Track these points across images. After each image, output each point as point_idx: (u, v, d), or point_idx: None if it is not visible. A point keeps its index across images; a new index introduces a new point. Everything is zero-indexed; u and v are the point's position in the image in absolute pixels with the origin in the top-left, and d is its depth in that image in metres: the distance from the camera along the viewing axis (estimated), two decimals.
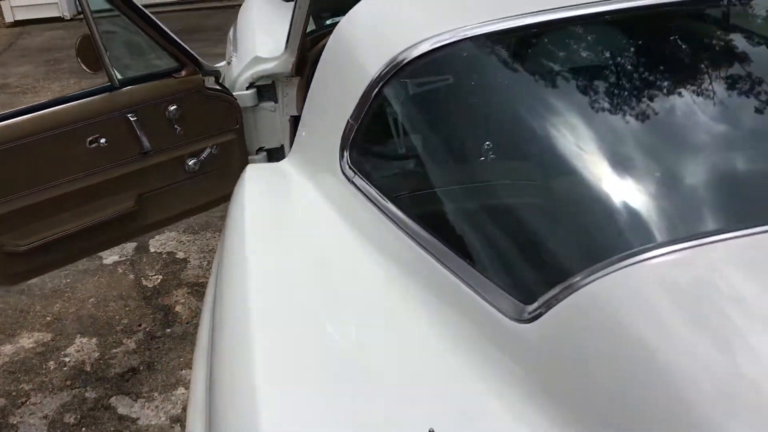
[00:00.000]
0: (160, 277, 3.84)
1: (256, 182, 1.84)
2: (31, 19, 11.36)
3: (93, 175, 2.76)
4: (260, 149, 3.51)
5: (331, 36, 1.91)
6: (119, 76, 2.82)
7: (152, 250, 4.11)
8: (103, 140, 2.72)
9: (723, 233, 1.15)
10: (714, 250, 1.12)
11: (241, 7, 4.58)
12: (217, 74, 3.20)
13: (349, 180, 1.62)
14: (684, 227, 1.24)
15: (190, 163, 3.04)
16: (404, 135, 1.68)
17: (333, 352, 1.23)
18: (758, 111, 1.47)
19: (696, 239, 1.14)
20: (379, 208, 1.52)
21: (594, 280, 1.12)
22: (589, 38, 1.70)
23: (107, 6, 2.76)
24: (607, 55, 1.68)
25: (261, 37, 3.60)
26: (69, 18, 11.45)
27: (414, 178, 1.66)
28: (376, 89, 1.63)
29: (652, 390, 1.01)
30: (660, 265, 1.12)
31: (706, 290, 1.08)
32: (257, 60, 3.25)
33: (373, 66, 1.66)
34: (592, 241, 1.29)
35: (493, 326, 1.20)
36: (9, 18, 11.35)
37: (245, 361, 1.21)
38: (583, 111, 1.50)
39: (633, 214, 1.27)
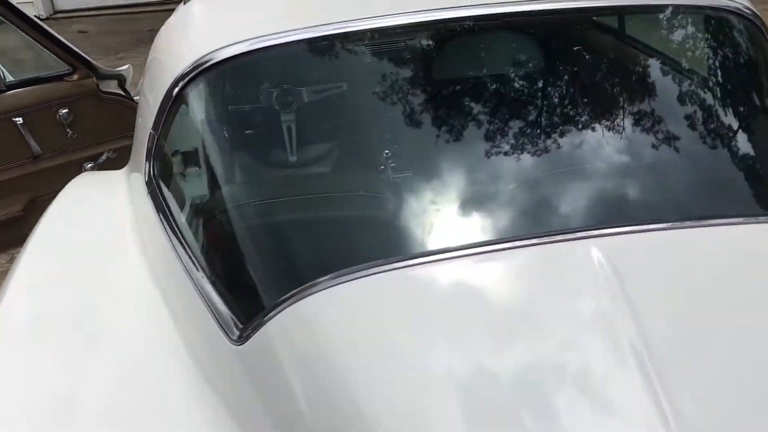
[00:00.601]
0: None
1: (72, 192, 1.83)
2: None
3: None
4: (175, 153, 3.49)
5: (154, 40, 1.89)
6: (10, 79, 2.81)
7: None
8: None
9: (413, 258, 1.18)
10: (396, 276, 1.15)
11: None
12: (120, 78, 3.17)
13: (147, 193, 1.60)
14: (374, 255, 1.26)
15: (87, 167, 3.02)
16: (187, 145, 1.67)
17: (48, 373, 1.23)
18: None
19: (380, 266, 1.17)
20: (160, 223, 1.50)
21: (288, 306, 1.12)
22: (392, 49, 1.67)
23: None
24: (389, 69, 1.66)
25: None
26: (45, 17, 11.45)
27: (189, 192, 1.64)
28: (174, 92, 1.58)
29: (335, 413, 1.01)
30: (341, 291, 1.13)
31: (384, 314, 1.11)
32: None
33: (178, 69, 1.63)
34: (295, 267, 1.30)
35: (218, 346, 1.20)
36: None
37: None
38: (342, 133, 1.51)
39: (329, 244, 1.29)
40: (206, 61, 1.57)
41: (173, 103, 1.59)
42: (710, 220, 1.30)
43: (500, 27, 1.67)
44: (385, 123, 1.52)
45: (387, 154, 1.44)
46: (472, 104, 1.59)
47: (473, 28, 1.62)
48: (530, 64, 1.71)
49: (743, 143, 1.58)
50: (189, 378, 1.17)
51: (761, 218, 1.34)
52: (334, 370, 1.03)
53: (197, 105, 1.65)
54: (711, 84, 1.72)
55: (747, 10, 1.66)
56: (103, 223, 1.65)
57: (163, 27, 1.89)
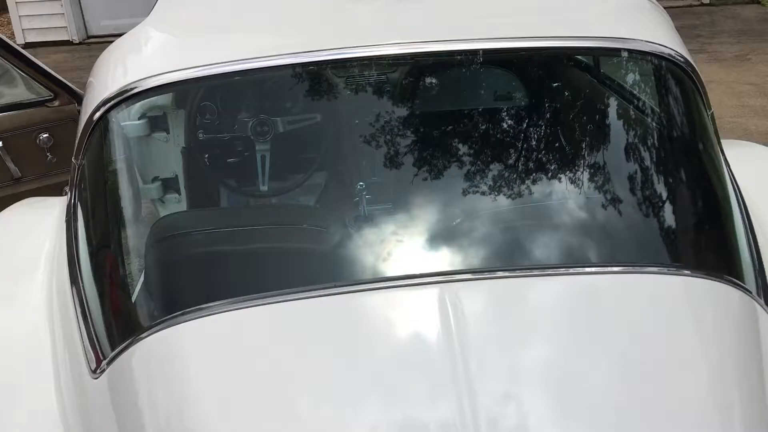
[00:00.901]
0: None
1: (8, 215, 1.87)
2: (42, 41, 11.70)
3: None
4: (155, 179, 3.54)
5: (95, 62, 1.92)
6: None
7: None
8: None
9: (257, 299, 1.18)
10: (251, 314, 1.14)
11: None
12: None
13: (65, 221, 1.62)
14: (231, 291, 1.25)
15: (67, 190, 3.08)
16: (102, 173, 1.69)
17: None
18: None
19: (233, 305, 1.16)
20: (66, 252, 1.52)
21: (141, 340, 1.12)
22: (297, 85, 1.67)
23: None
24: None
25: None
26: (78, 42, 11.76)
27: (94, 224, 1.65)
28: (95, 118, 1.59)
29: None
30: (188, 328, 1.13)
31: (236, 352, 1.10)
32: None
33: (102, 95, 1.61)
34: (164, 302, 1.31)
35: (79, 380, 1.20)
36: (20, 40, 11.64)
37: None
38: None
39: (191, 278, 1.29)
40: (129, 89, 1.57)
41: (93, 130, 1.60)
42: (570, 268, 1.28)
43: (427, 65, 1.67)
44: (292, 158, 1.52)
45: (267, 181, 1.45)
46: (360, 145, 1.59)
47: (387, 67, 1.63)
48: (457, 107, 1.70)
49: (637, 193, 1.54)
50: (46, 408, 1.18)
51: (626, 268, 1.32)
52: (176, 408, 1.03)
53: (113, 134, 1.67)
54: (619, 126, 1.69)
55: (680, 57, 1.62)
56: (24, 248, 1.68)
57: (106, 49, 1.90)
